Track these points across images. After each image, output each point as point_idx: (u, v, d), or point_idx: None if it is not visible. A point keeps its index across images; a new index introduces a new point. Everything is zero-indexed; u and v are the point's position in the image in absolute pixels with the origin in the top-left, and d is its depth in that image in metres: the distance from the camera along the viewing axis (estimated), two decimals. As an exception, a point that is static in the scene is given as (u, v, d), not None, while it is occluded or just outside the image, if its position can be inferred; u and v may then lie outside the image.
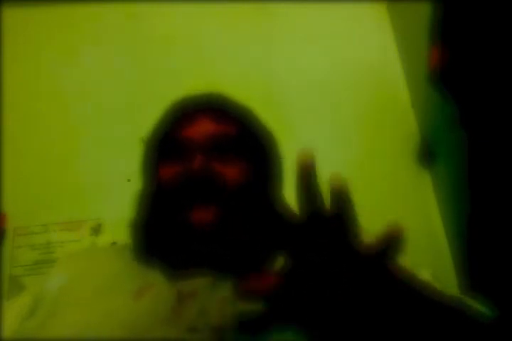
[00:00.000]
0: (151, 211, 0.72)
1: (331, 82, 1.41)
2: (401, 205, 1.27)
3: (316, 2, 1.46)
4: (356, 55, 1.45)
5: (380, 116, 1.37)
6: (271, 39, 1.48)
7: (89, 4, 1.48)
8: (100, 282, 0.68)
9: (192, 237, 0.66)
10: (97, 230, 1.26)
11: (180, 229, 0.66)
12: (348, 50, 1.46)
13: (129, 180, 1.25)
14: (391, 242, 0.50)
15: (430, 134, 1.30)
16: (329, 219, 0.48)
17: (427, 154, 1.31)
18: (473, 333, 0.52)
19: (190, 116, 0.75)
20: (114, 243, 1.19)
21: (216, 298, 0.60)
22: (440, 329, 0.50)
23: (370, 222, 0.83)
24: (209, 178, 0.68)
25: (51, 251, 1.24)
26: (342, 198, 0.48)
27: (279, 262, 0.48)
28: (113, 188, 1.28)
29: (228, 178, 0.69)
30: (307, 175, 0.49)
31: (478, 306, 0.64)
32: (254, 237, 0.64)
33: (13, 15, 1.44)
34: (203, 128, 0.73)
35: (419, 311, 0.50)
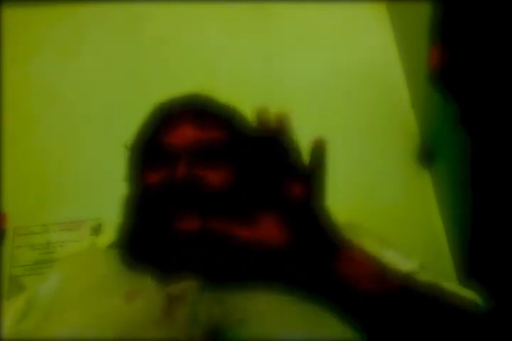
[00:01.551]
0: (138, 218, 0.72)
1: (330, 82, 1.41)
2: (401, 205, 1.27)
3: (316, 2, 1.46)
4: (356, 55, 1.45)
5: (380, 116, 1.37)
6: (270, 39, 1.48)
7: (89, 4, 1.48)
8: (92, 284, 0.69)
9: (176, 245, 0.66)
10: (97, 230, 1.26)
11: (165, 237, 0.67)
12: (348, 50, 1.46)
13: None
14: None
15: (430, 134, 1.30)
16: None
17: (427, 154, 1.31)
18: (456, 322, 0.53)
19: (172, 120, 0.74)
20: (114, 243, 1.19)
21: (206, 303, 0.60)
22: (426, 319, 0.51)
23: (371, 222, 0.83)
24: (192, 185, 0.68)
25: (51, 251, 1.24)
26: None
27: None
28: (113, 188, 1.27)
29: (212, 184, 0.69)
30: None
31: (471, 296, 0.65)
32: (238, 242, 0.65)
33: (13, 15, 1.44)
34: (186, 134, 0.72)
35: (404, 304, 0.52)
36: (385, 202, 1.26)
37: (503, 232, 0.81)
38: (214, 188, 0.69)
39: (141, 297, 0.63)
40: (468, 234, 1.06)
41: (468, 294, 0.66)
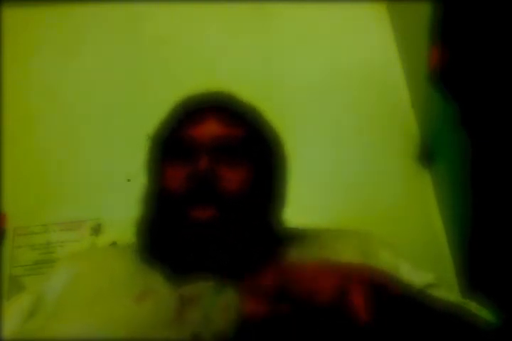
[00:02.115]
0: (157, 212, 0.72)
1: (330, 82, 1.40)
2: (401, 205, 1.27)
3: (316, 2, 1.45)
4: (356, 55, 1.45)
5: (380, 116, 1.37)
6: (270, 39, 1.48)
7: (89, 4, 1.48)
8: (102, 283, 0.68)
9: (190, 231, 0.66)
10: (97, 230, 1.26)
11: (180, 225, 0.67)
12: (348, 50, 1.46)
13: (129, 180, 1.25)
14: None
15: (430, 134, 1.30)
16: None
17: (427, 154, 1.31)
18: (470, 338, 0.52)
19: (196, 115, 0.74)
20: (114, 243, 1.19)
21: (220, 305, 0.60)
22: (442, 337, 0.50)
23: (371, 222, 0.83)
24: (212, 181, 0.68)
25: (51, 251, 1.24)
26: None
27: None
28: (113, 188, 1.28)
29: (231, 182, 0.69)
30: None
31: (481, 312, 0.64)
32: (248, 243, 0.65)
33: (13, 15, 1.44)
34: (210, 129, 0.72)
35: (419, 321, 0.51)
36: (385, 202, 1.26)
37: (504, 232, 0.81)
38: (230, 190, 0.68)
39: (152, 298, 0.63)
40: (468, 235, 1.06)
41: (480, 309, 0.66)
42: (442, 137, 1.21)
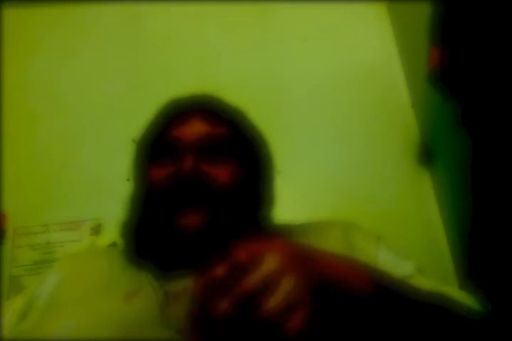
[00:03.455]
0: (142, 213, 0.72)
1: (330, 82, 1.41)
2: (401, 205, 1.27)
3: (316, 2, 1.45)
4: (356, 55, 1.45)
5: (380, 116, 1.37)
6: (271, 39, 1.48)
7: (89, 4, 1.48)
8: (92, 284, 0.69)
9: (180, 240, 0.66)
10: (97, 230, 1.26)
11: (169, 233, 0.67)
12: (348, 50, 1.46)
13: (129, 180, 1.25)
14: None
15: (430, 134, 1.30)
16: None
17: (427, 154, 1.31)
18: (454, 328, 0.52)
19: (181, 116, 0.75)
20: (114, 243, 1.19)
21: None
22: (417, 326, 0.50)
23: (370, 222, 0.83)
24: (198, 180, 0.68)
25: (51, 251, 1.24)
26: None
27: None
28: (113, 188, 1.27)
29: (218, 180, 0.69)
30: None
31: (466, 300, 0.64)
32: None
33: (13, 15, 1.44)
34: (195, 129, 0.73)
35: (398, 310, 0.50)
36: (385, 202, 1.26)
37: (503, 233, 0.81)
38: (219, 185, 0.69)
39: (139, 296, 0.63)
40: (468, 235, 1.06)
41: (466, 298, 0.66)
42: (442, 137, 1.21)
